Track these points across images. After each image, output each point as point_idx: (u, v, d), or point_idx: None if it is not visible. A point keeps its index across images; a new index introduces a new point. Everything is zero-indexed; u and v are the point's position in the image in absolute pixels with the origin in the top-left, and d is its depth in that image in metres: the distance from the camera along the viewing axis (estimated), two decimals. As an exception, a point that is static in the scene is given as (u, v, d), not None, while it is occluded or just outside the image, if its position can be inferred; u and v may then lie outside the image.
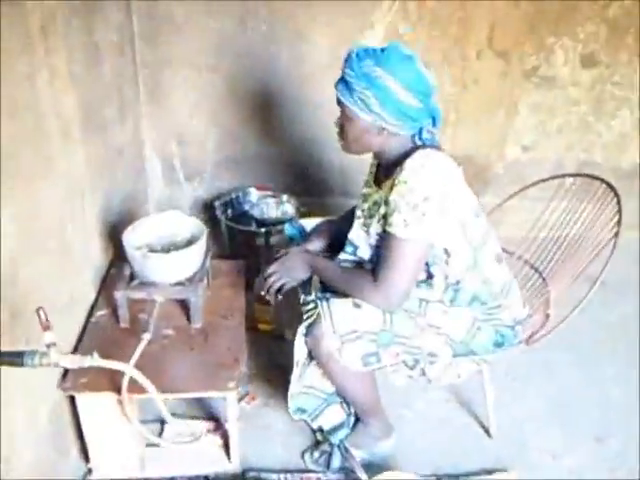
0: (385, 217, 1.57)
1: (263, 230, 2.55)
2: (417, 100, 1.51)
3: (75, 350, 1.79)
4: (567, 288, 1.85)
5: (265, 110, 2.80)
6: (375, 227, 1.64)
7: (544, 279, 1.99)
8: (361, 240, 1.70)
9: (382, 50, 1.51)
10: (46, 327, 1.19)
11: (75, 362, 1.20)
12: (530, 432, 2.04)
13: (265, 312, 2.39)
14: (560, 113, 2.91)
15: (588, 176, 2.01)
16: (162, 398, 1.54)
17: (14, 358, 1.12)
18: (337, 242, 1.84)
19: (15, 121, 1.39)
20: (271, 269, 1.80)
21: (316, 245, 1.91)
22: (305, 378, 1.74)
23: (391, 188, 1.54)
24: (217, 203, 2.72)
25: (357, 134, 1.59)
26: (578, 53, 2.75)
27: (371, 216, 1.67)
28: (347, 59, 1.54)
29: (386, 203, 1.57)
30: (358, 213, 1.74)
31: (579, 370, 2.31)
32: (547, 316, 1.82)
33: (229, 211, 2.75)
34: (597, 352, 2.40)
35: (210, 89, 2.75)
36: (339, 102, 1.58)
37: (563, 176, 2.12)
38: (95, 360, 1.25)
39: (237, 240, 2.62)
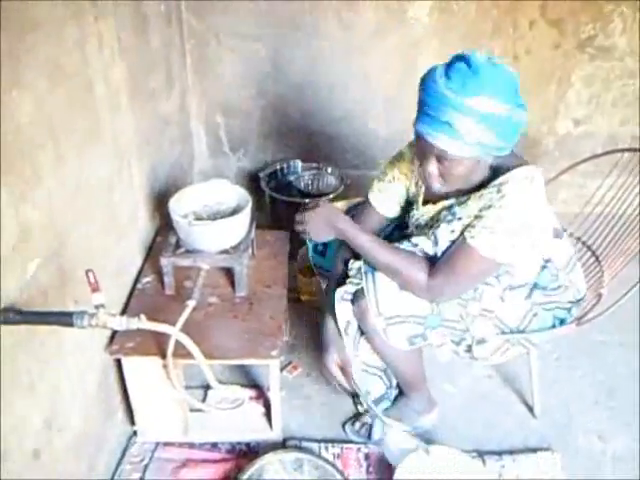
0: (466, 227, 1.45)
1: (307, 201, 2.54)
2: (522, 109, 1.36)
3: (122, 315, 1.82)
4: (621, 268, 1.79)
5: (310, 80, 2.77)
6: (446, 236, 1.50)
7: (597, 258, 1.92)
8: (427, 244, 1.55)
9: (473, 69, 1.28)
10: (95, 288, 1.21)
11: (123, 324, 1.22)
12: (576, 413, 2.00)
13: (308, 283, 2.39)
14: (615, 86, 2.79)
15: (644, 150, 1.93)
16: (202, 363, 1.55)
17: (63, 318, 1.14)
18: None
19: (65, 87, 1.40)
20: (297, 219, 1.62)
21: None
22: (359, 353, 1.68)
23: (484, 206, 1.41)
24: (262, 174, 2.72)
25: (465, 173, 1.41)
26: (638, 22, 2.63)
27: (434, 225, 1.54)
28: (436, 93, 1.31)
29: (472, 215, 1.44)
30: (412, 229, 1.64)
31: (627, 351, 2.24)
32: (599, 296, 1.76)
33: (273, 182, 2.75)
34: (647, 333, 2.33)
35: (255, 60, 2.73)
36: (433, 146, 1.36)
37: (618, 151, 2.03)
38: (142, 322, 1.26)
39: (280, 211, 2.62)
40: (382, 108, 2.80)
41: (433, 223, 1.56)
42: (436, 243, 1.52)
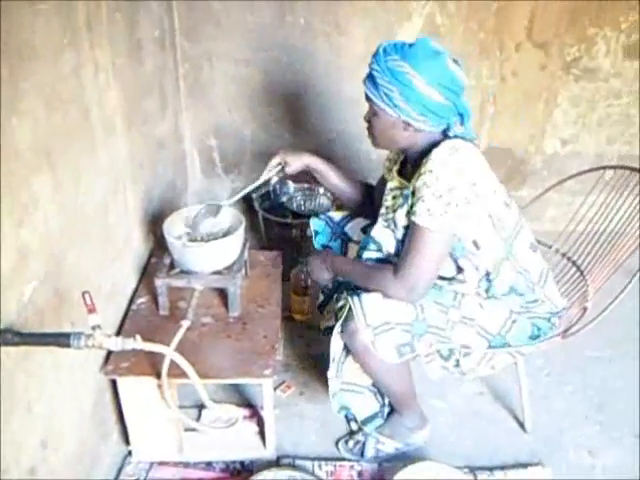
0: (412, 208, 1.57)
1: (299, 221, 2.58)
2: (443, 97, 1.50)
3: (117, 336, 1.84)
4: (605, 282, 1.83)
5: (302, 103, 2.83)
6: (402, 221, 1.63)
7: (582, 272, 1.97)
8: (386, 237, 1.69)
9: (410, 45, 1.52)
10: (91, 310, 1.23)
11: (118, 344, 1.24)
12: (566, 428, 2.03)
13: (301, 302, 2.42)
14: (601, 106, 2.87)
15: (627, 168, 1.98)
16: (201, 383, 1.58)
17: (61, 339, 1.17)
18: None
19: (61, 113, 1.44)
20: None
21: (324, 168, 1.93)
22: (343, 374, 1.75)
23: (417, 179, 1.55)
24: (254, 195, 2.76)
25: (383, 129, 1.60)
26: (621, 44, 2.71)
27: (395, 210, 1.66)
28: (375, 54, 1.55)
29: (413, 194, 1.57)
30: (381, 210, 1.73)
31: (617, 366, 2.28)
32: (584, 309, 1.80)
33: (266, 203, 2.78)
34: (635, 348, 2.36)
35: (248, 83, 2.79)
36: (367, 97, 1.59)
37: (602, 168, 2.09)
38: (137, 343, 1.29)
39: (274, 232, 2.66)
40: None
41: (393, 208, 1.68)
42: (395, 228, 1.65)
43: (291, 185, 2.86)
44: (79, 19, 1.55)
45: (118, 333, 1.86)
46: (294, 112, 2.84)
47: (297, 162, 1.88)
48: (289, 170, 1.88)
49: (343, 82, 2.76)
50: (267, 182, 1.95)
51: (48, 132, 1.37)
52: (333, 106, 2.82)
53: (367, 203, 1.94)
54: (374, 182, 2.00)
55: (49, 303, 1.38)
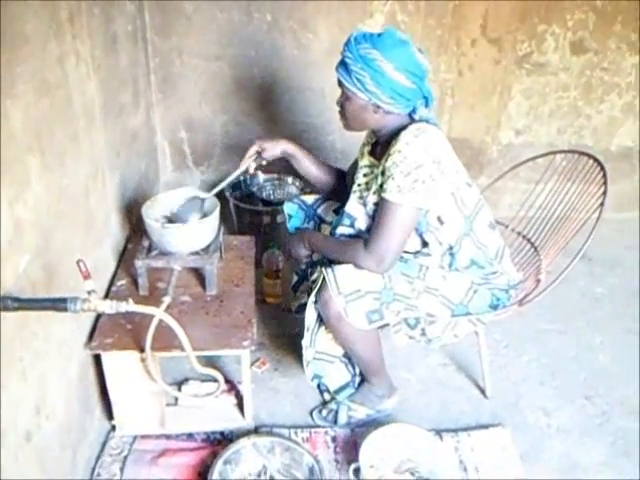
0: (382, 186, 1.70)
1: (269, 209, 2.68)
2: (410, 81, 1.64)
3: (98, 318, 1.92)
4: (556, 256, 1.99)
5: (270, 97, 2.93)
6: (372, 198, 1.77)
7: (535, 249, 2.13)
8: (359, 212, 1.82)
9: (379, 35, 1.65)
10: (86, 276, 1.32)
11: (113, 307, 1.33)
12: (523, 393, 2.18)
13: (273, 286, 2.53)
14: (551, 98, 3.05)
15: (576, 152, 2.15)
16: (186, 345, 1.66)
17: (58, 303, 1.25)
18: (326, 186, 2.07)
19: (49, 98, 1.53)
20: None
21: (301, 156, 2.05)
22: (316, 344, 1.87)
23: (387, 159, 1.68)
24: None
25: (355, 112, 1.74)
26: (568, 40, 2.89)
27: (368, 189, 1.80)
28: (347, 42, 1.68)
29: (383, 174, 1.70)
30: (354, 187, 1.86)
31: (569, 338, 2.45)
32: (538, 281, 1.96)
33: (237, 192, 2.88)
34: (585, 321, 2.54)
35: (217, 78, 2.88)
36: (339, 83, 1.72)
37: (552, 153, 2.26)
38: (130, 305, 1.38)
39: (245, 219, 2.76)
40: (337, 121, 2.95)
41: (366, 186, 1.82)
42: (365, 205, 1.79)
43: (261, 175, 2.98)
44: (62, 12, 1.64)
45: (99, 314, 1.93)
46: (263, 106, 2.95)
47: (274, 149, 1.98)
48: (266, 155, 1.98)
49: (310, 77, 2.88)
50: (246, 171, 2.03)
51: (38, 116, 1.45)
52: (300, 100, 2.93)
53: (339, 187, 2.05)
54: (344, 168, 2.12)
55: (40, 277, 1.46)
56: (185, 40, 2.78)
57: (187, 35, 2.77)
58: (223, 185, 2.07)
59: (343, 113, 1.79)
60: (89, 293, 1.30)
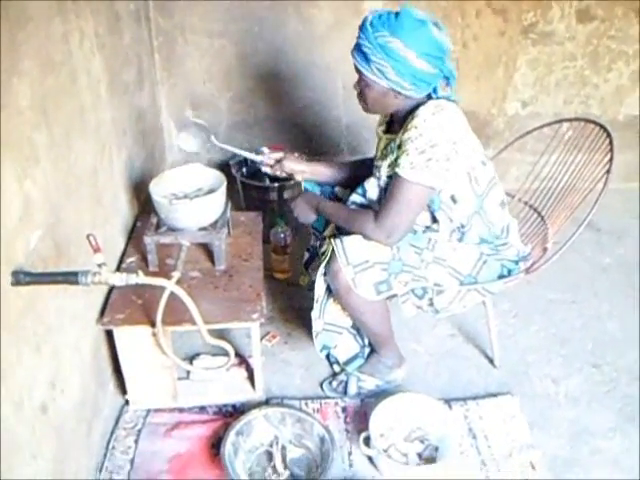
0: (396, 160, 1.70)
1: (276, 185, 2.69)
2: (432, 66, 1.61)
3: (109, 294, 1.95)
4: (563, 223, 1.99)
5: (274, 73, 2.93)
6: (385, 170, 1.77)
7: (542, 218, 2.13)
8: (371, 183, 1.83)
9: (396, 16, 1.59)
10: (97, 249, 1.34)
11: (123, 279, 1.35)
12: (531, 361, 2.19)
13: (281, 261, 2.55)
14: (557, 68, 3.03)
15: (582, 120, 2.14)
16: (196, 316, 1.69)
17: (69, 277, 1.27)
18: (350, 181, 2.00)
19: (54, 76, 1.54)
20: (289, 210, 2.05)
21: (320, 171, 2.06)
22: (325, 315, 1.89)
23: (404, 133, 1.67)
24: (232, 162, 2.86)
25: (375, 98, 1.71)
26: (574, 8, 2.86)
27: (382, 158, 1.80)
28: (362, 28, 1.64)
29: (399, 147, 1.69)
30: (374, 168, 1.86)
31: (576, 307, 2.46)
32: (545, 250, 1.96)
33: (243, 169, 2.89)
34: (593, 291, 2.55)
35: (221, 55, 2.88)
36: (357, 69, 1.69)
37: (559, 122, 2.25)
38: (140, 278, 1.40)
39: (251, 196, 2.77)
40: (342, 96, 2.97)
41: (382, 157, 1.81)
42: (379, 176, 1.79)
43: (266, 151, 2.97)
44: (64, -10, 1.65)
45: (110, 291, 1.96)
46: (267, 82, 2.95)
47: (295, 167, 2.03)
48: (285, 168, 2.03)
49: (313, 51, 2.88)
50: (258, 163, 2.10)
51: (44, 93, 1.47)
52: (305, 75, 2.93)
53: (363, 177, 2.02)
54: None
55: (50, 253, 1.48)
56: (188, 18, 2.77)
57: (190, 13, 2.76)
58: (232, 149, 2.11)
59: (362, 97, 1.75)
60: (99, 266, 1.32)
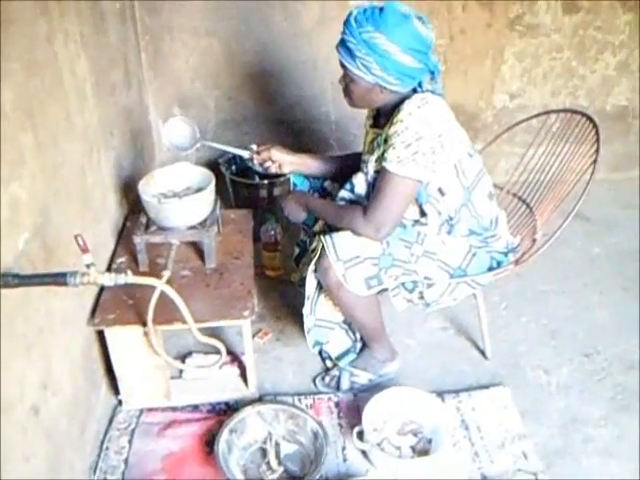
0: (383, 155, 1.71)
1: (266, 182, 2.69)
2: (416, 60, 1.61)
3: (99, 295, 1.95)
4: (550, 214, 2.00)
5: (262, 70, 2.93)
6: (373, 165, 1.78)
7: (531, 209, 2.15)
8: (359, 178, 1.84)
9: (380, 12, 1.60)
10: (85, 250, 1.34)
11: (112, 279, 1.35)
12: (523, 352, 2.21)
13: (272, 258, 2.55)
14: (544, 60, 3.04)
15: (569, 111, 2.15)
16: (186, 315, 1.69)
17: (58, 278, 1.27)
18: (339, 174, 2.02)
19: (39, 77, 1.53)
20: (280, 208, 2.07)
21: (309, 162, 2.06)
22: (316, 311, 1.89)
23: (390, 127, 1.68)
24: (221, 160, 2.86)
25: (361, 93, 1.72)
26: (560, 0, 2.87)
27: (369, 153, 1.80)
28: (347, 23, 1.64)
29: (385, 142, 1.70)
30: (361, 163, 1.87)
31: (566, 298, 2.48)
32: (534, 241, 1.98)
33: (233, 167, 2.88)
34: (583, 281, 2.57)
35: (209, 53, 2.87)
36: (342, 64, 1.70)
37: (547, 112, 2.27)
38: (129, 277, 1.40)
39: (241, 193, 2.77)
40: (331, 93, 2.97)
41: (369, 152, 1.82)
42: (367, 171, 1.80)
43: (255, 149, 2.97)
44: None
45: (101, 291, 1.96)
46: (255, 79, 2.94)
47: (283, 157, 2.03)
48: (273, 157, 2.03)
49: (300, 48, 2.87)
50: (246, 159, 2.11)
51: (29, 94, 1.46)
52: (292, 72, 2.93)
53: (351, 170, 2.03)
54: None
55: (39, 255, 1.48)
56: (174, 17, 2.76)
57: (176, 12, 2.75)
58: (220, 146, 2.14)
59: (347, 92, 1.76)
60: (88, 267, 1.32)
